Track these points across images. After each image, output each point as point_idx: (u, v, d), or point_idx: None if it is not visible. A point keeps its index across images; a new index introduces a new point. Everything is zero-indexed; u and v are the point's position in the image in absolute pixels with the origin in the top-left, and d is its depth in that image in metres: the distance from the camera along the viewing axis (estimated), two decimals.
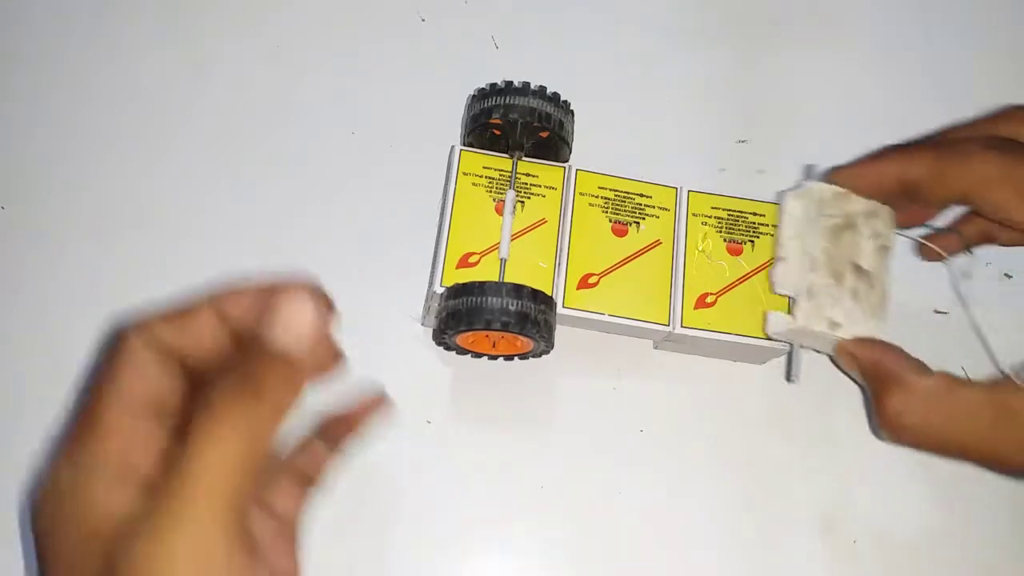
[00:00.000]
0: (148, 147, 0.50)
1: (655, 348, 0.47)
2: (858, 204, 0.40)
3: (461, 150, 0.44)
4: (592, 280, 0.43)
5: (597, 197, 0.44)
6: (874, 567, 0.45)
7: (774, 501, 0.46)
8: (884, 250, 0.41)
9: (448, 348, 0.43)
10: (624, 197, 0.45)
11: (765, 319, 0.42)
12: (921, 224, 0.44)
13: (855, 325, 0.40)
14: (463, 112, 0.48)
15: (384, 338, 0.46)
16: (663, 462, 0.46)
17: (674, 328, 0.43)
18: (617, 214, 0.44)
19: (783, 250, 0.41)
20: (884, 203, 0.40)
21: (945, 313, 0.49)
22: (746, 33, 0.56)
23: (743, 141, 0.52)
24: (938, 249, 0.41)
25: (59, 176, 0.49)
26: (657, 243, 0.44)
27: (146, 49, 0.53)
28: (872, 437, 0.47)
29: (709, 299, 0.43)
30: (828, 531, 0.45)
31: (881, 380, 0.36)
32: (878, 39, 0.56)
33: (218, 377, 0.26)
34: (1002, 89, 0.55)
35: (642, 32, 0.56)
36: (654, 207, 0.45)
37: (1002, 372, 0.36)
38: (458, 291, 0.40)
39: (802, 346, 0.42)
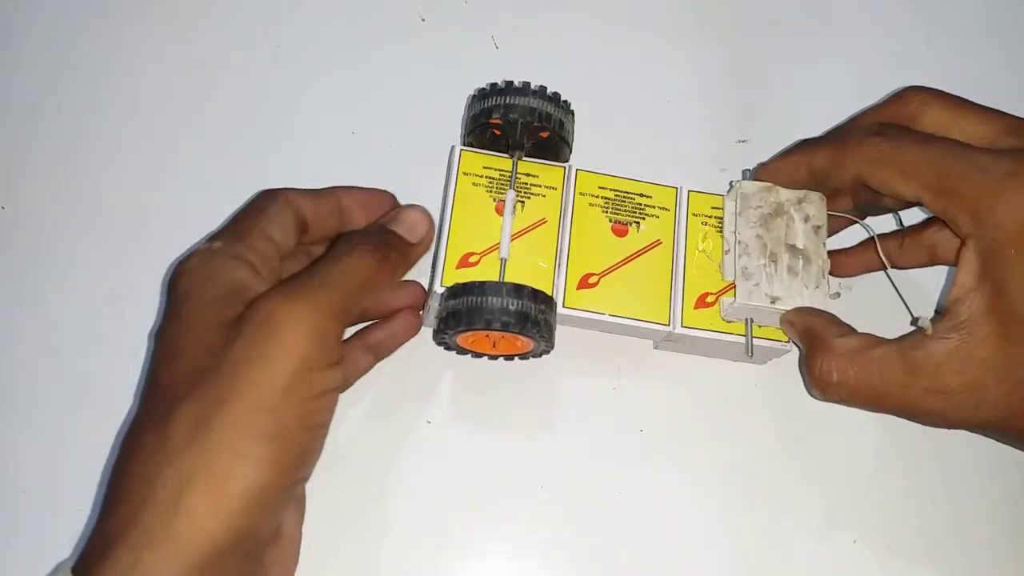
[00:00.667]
0: (148, 147, 0.50)
1: (655, 348, 0.47)
2: (785, 194, 0.44)
3: (461, 150, 0.44)
4: (592, 280, 0.43)
5: (597, 197, 0.44)
6: (874, 567, 0.45)
7: (774, 501, 0.46)
8: (817, 229, 0.44)
9: (448, 348, 0.43)
10: (624, 197, 0.45)
11: (719, 305, 0.44)
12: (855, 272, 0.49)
13: (795, 298, 0.42)
14: (463, 112, 0.48)
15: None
16: (663, 462, 0.46)
17: (674, 328, 0.43)
18: (617, 214, 0.44)
19: (726, 244, 0.44)
20: (808, 189, 0.44)
21: None
22: (746, 33, 0.56)
23: (743, 141, 0.52)
24: (846, 215, 0.45)
25: (59, 176, 0.49)
26: (657, 243, 0.44)
27: (146, 49, 0.53)
28: (871, 437, 0.47)
29: (709, 299, 0.43)
30: (828, 531, 0.45)
31: (810, 342, 0.40)
32: (878, 39, 0.56)
33: (353, 231, 0.38)
34: (1002, 89, 0.55)
35: (642, 32, 0.56)
36: (654, 207, 0.45)
37: (913, 322, 0.38)
38: (458, 291, 0.40)
39: (761, 325, 0.44)
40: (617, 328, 0.44)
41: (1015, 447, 0.41)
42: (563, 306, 0.42)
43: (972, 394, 0.35)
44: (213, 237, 0.36)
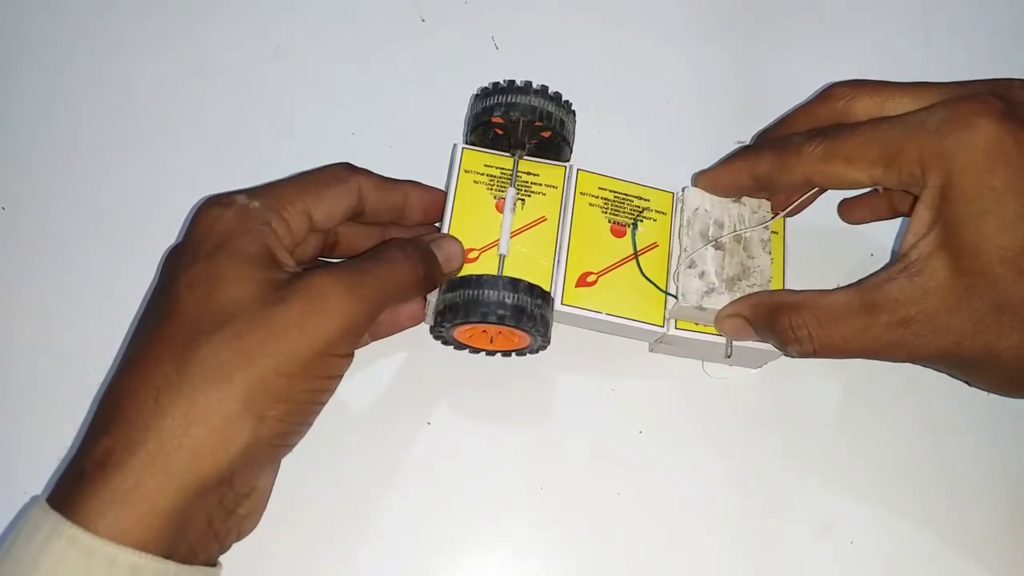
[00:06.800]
0: (148, 147, 0.50)
1: (650, 351, 0.47)
2: (733, 205, 0.44)
3: (463, 148, 0.44)
4: (591, 279, 0.43)
5: (597, 197, 0.44)
6: (873, 567, 0.45)
7: (772, 502, 0.45)
8: (764, 243, 0.44)
9: (446, 342, 0.43)
10: (623, 199, 0.45)
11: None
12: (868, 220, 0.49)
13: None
14: (465, 111, 0.48)
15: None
16: (662, 464, 0.46)
17: (668, 330, 0.43)
18: (616, 215, 0.44)
19: (671, 253, 0.44)
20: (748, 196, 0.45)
21: None
22: (746, 33, 0.56)
23: (743, 141, 0.52)
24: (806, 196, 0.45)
25: (60, 177, 0.49)
26: (654, 246, 0.44)
27: (146, 49, 0.53)
28: (870, 437, 0.47)
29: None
30: (826, 531, 0.45)
31: (769, 310, 0.40)
32: (878, 39, 0.56)
33: (408, 241, 0.39)
34: None
35: (642, 32, 0.56)
36: (652, 210, 0.45)
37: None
38: (456, 284, 0.40)
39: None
40: (612, 328, 0.44)
41: (968, 379, 0.41)
42: (561, 303, 0.42)
43: (929, 321, 0.37)
44: (254, 192, 0.37)
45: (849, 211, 0.49)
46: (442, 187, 0.44)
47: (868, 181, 0.39)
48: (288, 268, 0.36)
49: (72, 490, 0.31)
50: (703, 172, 0.45)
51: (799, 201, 0.44)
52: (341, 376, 0.36)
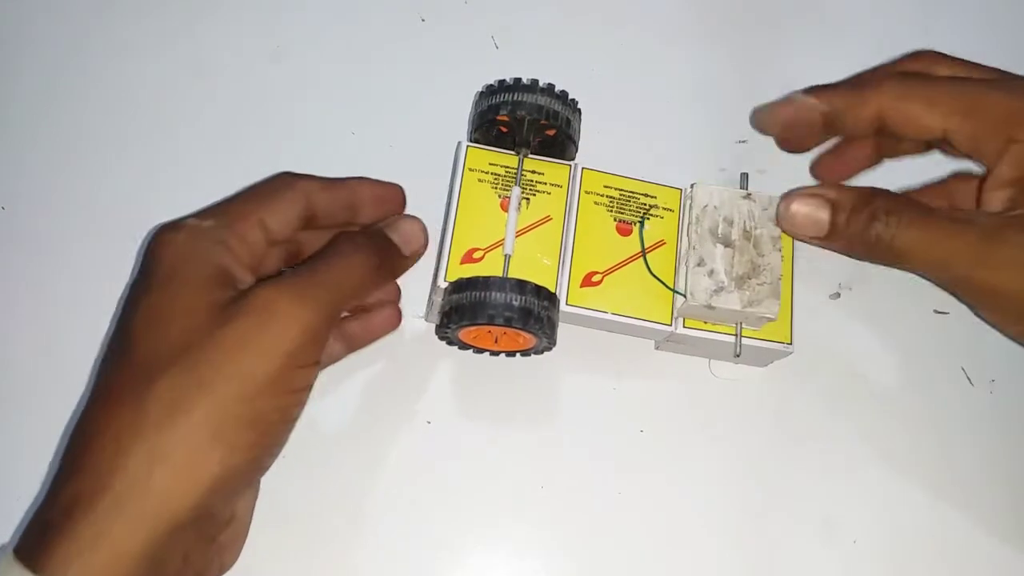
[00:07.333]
0: (148, 147, 0.50)
1: (656, 349, 0.47)
2: (743, 202, 0.43)
3: (468, 146, 0.44)
4: (596, 278, 0.43)
5: (602, 196, 0.44)
6: (874, 567, 0.45)
7: (774, 501, 0.46)
8: (774, 240, 0.43)
9: (451, 343, 0.43)
10: (629, 197, 0.45)
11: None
12: (844, 176, 0.48)
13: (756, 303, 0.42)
14: (466, 110, 0.48)
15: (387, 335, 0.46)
16: (663, 463, 0.46)
17: (676, 328, 0.43)
18: (622, 213, 0.44)
19: (679, 251, 0.44)
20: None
21: (946, 313, 0.49)
22: (746, 33, 0.56)
23: (743, 141, 0.52)
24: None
25: (59, 177, 0.49)
26: (661, 243, 0.44)
27: (146, 49, 0.52)
28: (872, 437, 0.47)
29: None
30: (828, 531, 0.45)
31: (862, 195, 0.40)
32: (878, 38, 0.56)
33: (356, 232, 0.38)
34: None
35: (642, 32, 0.56)
36: (659, 207, 0.45)
37: None
38: (461, 286, 0.40)
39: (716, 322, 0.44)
40: (619, 327, 0.44)
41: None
42: (566, 303, 0.42)
43: None
44: (205, 213, 0.36)
45: (827, 167, 0.47)
46: (443, 186, 0.44)
47: (938, 131, 0.38)
48: (244, 285, 0.34)
49: (38, 541, 0.30)
50: (762, 108, 0.44)
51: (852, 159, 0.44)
52: (309, 387, 0.35)
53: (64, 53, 0.52)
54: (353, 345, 0.44)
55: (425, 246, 0.40)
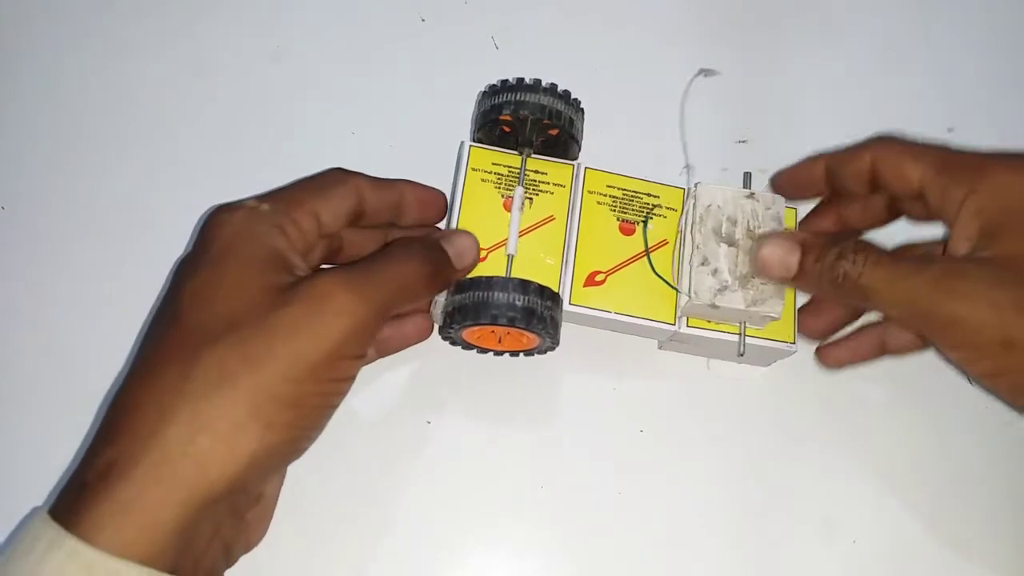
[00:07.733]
0: (148, 147, 0.50)
1: (660, 348, 0.47)
2: (745, 200, 0.44)
3: (471, 146, 0.44)
4: (599, 278, 0.43)
5: (605, 195, 0.44)
6: (874, 567, 0.45)
7: (774, 501, 0.46)
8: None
9: (454, 343, 0.43)
10: (632, 196, 0.45)
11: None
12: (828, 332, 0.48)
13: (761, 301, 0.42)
14: (467, 110, 0.48)
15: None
16: (663, 463, 0.46)
17: (680, 328, 0.43)
18: (625, 213, 0.44)
19: (682, 249, 0.44)
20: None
21: None
22: (746, 33, 0.57)
23: (743, 141, 0.52)
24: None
25: (59, 176, 0.49)
26: (664, 243, 0.44)
27: (146, 49, 0.52)
28: (872, 437, 0.47)
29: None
30: (828, 531, 0.45)
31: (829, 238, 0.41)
32: (878, 38, 0.57)
33: (413, 239, 0.39)
34: (1002, 89, 0.55)
35: (642, 32, 0.56)
36: (661, 207, 0.45)
37: None
38: (465, 286, 0.40)
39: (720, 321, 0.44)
40: (622, 327, 0.44)
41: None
42: (569, 303, 0.42)
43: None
44: (263, 197, 0.37)
45: (830, 355, 0.48)
46: (443, 187, 0.44)
47: (917, 182, 0.40)
48: (299, 271, 0.35)
49: (74, 502, 0.30)
50: (779, 174, 0.46)
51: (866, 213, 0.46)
52: (352, 378, 0.35)
53: (64, 53, 0.52)
54: (385, 350, 0.44)
55: (476, 262, 0.41)
